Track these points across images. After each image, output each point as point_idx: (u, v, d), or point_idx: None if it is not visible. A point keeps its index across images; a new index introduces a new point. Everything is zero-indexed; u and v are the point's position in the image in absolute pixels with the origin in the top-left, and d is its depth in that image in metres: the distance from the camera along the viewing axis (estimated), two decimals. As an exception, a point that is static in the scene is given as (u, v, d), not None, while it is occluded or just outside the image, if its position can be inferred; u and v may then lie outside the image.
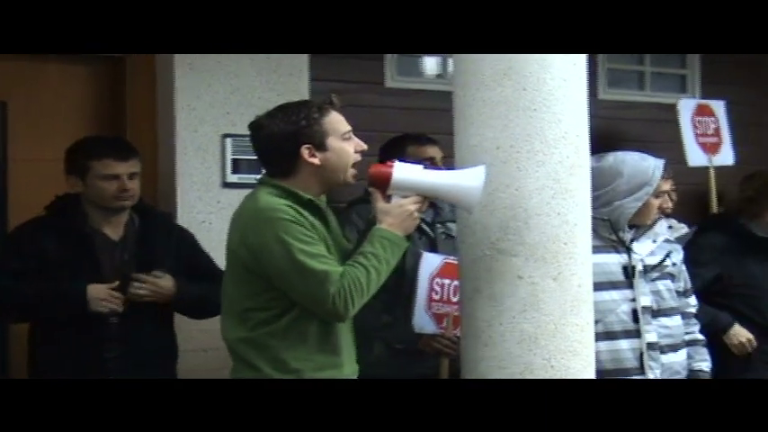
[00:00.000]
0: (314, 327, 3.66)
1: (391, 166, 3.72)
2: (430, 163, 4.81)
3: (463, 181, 3.71)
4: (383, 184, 3.72)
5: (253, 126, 3.80)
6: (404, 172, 3.72)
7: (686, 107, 7.04)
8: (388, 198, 3.73)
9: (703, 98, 7.55)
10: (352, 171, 3.78)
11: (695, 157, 6.90)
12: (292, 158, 3.69)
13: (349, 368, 3.82)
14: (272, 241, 3.55)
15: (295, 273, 3.54)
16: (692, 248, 5.18)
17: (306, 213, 3.65)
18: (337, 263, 3.64)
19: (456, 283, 4.36)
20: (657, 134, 7.02)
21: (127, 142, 5.03)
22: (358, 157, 3.79)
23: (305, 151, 3.68)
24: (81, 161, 4.69)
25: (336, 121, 3.76)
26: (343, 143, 3.75)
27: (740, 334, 5.19)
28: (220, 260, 5.52)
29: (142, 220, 4.82)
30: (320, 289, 3.53)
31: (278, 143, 3.70)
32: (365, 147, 3.84)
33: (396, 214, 3.69)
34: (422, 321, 4.61)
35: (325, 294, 3.53)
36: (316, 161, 3.69)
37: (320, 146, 3.70)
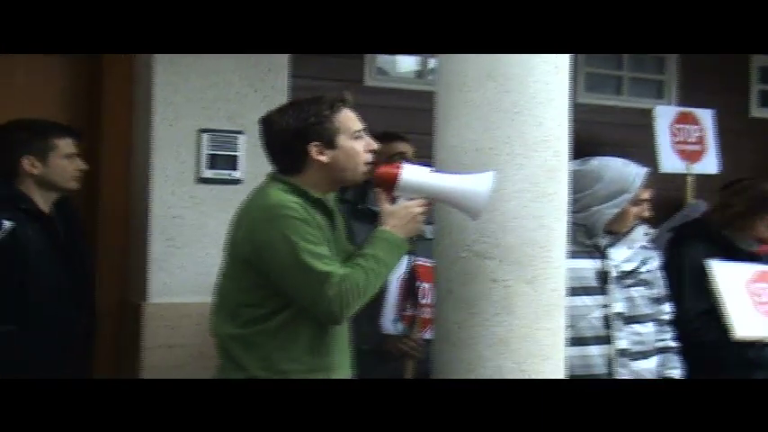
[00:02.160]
0: (307, 328, 3.61)
1: (399, 167, 3.69)
2: (400, 158, 4.77)
3: (470, 186, 3.67)
4: (390, 185, 3.68)
5: (263, 121, 3.75)
6: (412, 174, 3.69)
7: (664, 114, 7.10)
8: (393, 199, 3.70)
9: (680, 104, 7.61)
10: (363, 168, 3.73)
11: (669, 163, 6.94)
12: (301, 155, 3.65)
13: (342, 372, 3.77)
14: (279, 239, 3.50)
15: (298, 272, 3.49)
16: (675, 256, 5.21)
17: (314, 212, 3.61)
18: (339, 264, 3.59)
19: (425, 285, 4.34)
20: (634, 139, 7.06)
21: (67, 125, 5.04)
22: (369, 157, 3.74)
23: (313, 149, 3.63)
24: (40, 141, 4.66)
25: (348, 119, 3.70)
26: (354, 142, 3.69)
27: None
28: (195, 254, 5.58)
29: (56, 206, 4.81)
30: (320, 290, 3.48)
31: (287, 139, 3.65)
32: (376, 146, 3.79)
33: (401, 216, 3.66)
34: (390, 323, 4.58)
35: (323, 296, 3.48)
36: (324, 159, 3.64)
37: (329, 143, 3.64)
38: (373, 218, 4.46)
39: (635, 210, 4.47)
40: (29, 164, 4.64)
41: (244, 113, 5.70)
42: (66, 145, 4.70)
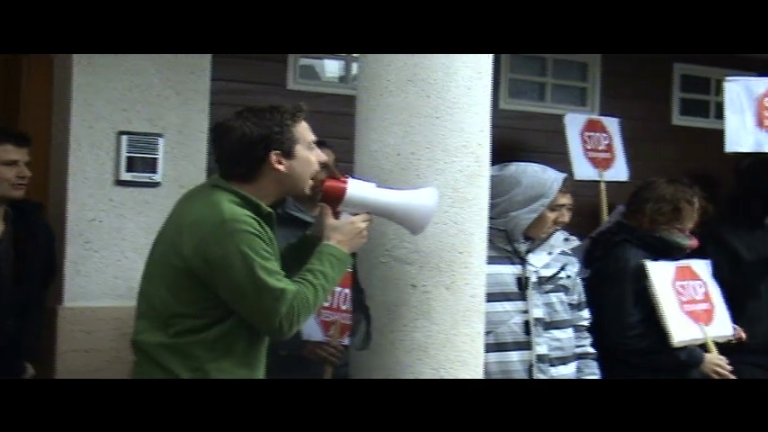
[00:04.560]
0: (242, 341, 3.58)
1: (345, 182, 3.67)
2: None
3: (415, 201, 3.66)
4: (336, 199, 3.66)
5: (220, 127, 3.68)
6: (358, 189, 3.67)
7: (574, 121, 7.15)
8: (337, 214, 3.68)
9: (601, 111, 7.66)
10: (310, 182, 3.70)
11: (583, 170, 6.99)
12: (258, 163, 3.60)
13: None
14: (234, 254, 3.43)
15: (251, 288, 3.44)
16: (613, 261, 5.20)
17: (265, 226, 3.57)
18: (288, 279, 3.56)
19: (347, 291, 4.32)
20: (557, 145, 7.10)
21: (17, 129, 4.94)
22: (318, 168, 3.72)
23: (273, 157, 3.59)
24: None
25: (305, 130, 3.69)
26: (308, 153, 3.67)
27: (712, 361, 5.17)
28: (112, 257, 5.52)
29: (16, 212, 4.72)
30: (273, 307, 3.44)
31: (248, 146, 3.58)
32: (325, 158, 3.79)
33: (346, 231, 3.64)
34: (310, 329, 4.55)
35: (276, 312, 3.44)
36: (282, 168, 3.60)
37: (288, 153, 3.61)
38: (291, 223, 4.44)
39: (553, 215, 4.48)
40: None
41: (164, 116, 5.66)
42: (4, 151, 4.57)
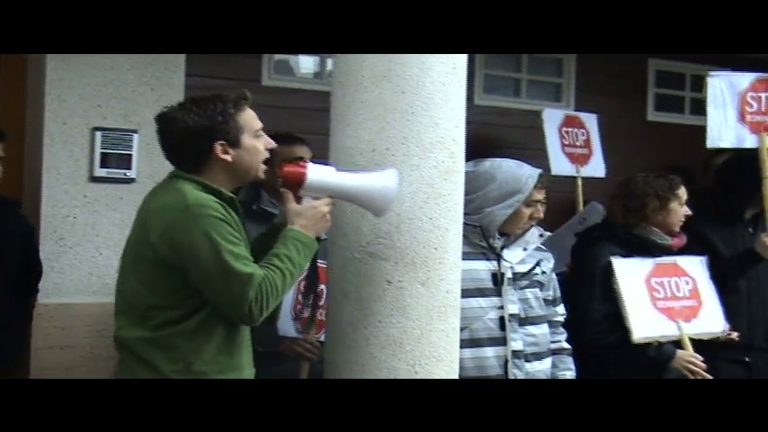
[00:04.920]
0: (221, 328, 3.57)
1: (305, 167, 3.66)
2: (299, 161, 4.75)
3: (376, 183, 3.66)
4: (297, 184, 3.65)
5: (162, 118, 3.66)
6: (318, 173, 3.66)
7: (552, 117, 7.15)
8: (299, 199, 3.67)
9: (577, 107, 7.66)
10: (263, 167, 3.69)
11: (560, 165, 7.00)
12: (204, 154, 3.59)
13: (248, 370, 3.74)
14: (201, 239, 3.43)
15: (219, 273, 3.43)
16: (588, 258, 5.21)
17: (230, 210, 3.56)
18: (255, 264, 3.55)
19: (323, 286, 4.31)
20: (532, 141, 7.12)
21: None
22: (267, 155, 3.71)
23: (218, 147, 3.58)
24: None
25: (250, 118, 3.67)
26: (256, 141, 3.66)
27: (684, 358, 5.17)
28: (86, 253, 5.50)
29: None
30: (240, 292, 3.43)
31: (191, 137, 3.57)
32: (274, 145, 3.77)
33: (309, 216, 3.63)
34: (286, 325, 4.56)
35: (244, 298, 3.43)
36: (228, 158, 3.60)
37: (234, 143, 3.60)
38: (266, 219, 4.43)
39: (528, 211, 4.48)
40: None
41: (139, 112, 5.64)
42: None
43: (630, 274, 5.12)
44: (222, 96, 3.65)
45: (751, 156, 5.70)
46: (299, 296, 4.53)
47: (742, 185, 5.71)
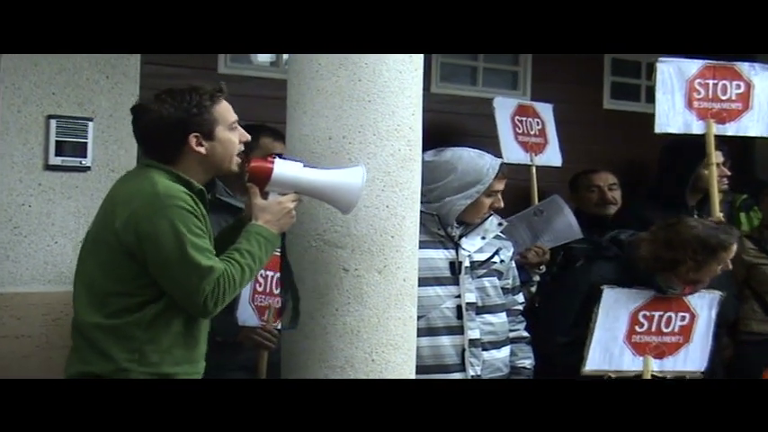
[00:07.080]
0: (179, 320, 3.56)
1: (272, 162, 3.65)
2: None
3: (343, 179, 3.66)
4: (263, 179, 3.65)
5: (138, 109, 3.66)
6: (284, 169, 3.66)
7: (504, 105, 7.11)
8: (265, 194, 3.66)
9: (533, 95, 7.66)
10: (236, 160, 3.69)
11: (513, 153, 6.99)
12: (178, 146, 3.58)
13: (202, 364, 3.72)
14: (166, 229, 3.42)
15: (179, 264, 3.42)
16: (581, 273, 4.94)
17: (198, 202, 3.55)
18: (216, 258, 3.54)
19: (278, 275, 4.30)
20: (488, 129, 7.07)
21: None
22: (241, 147, 3.70)
23: (192, 139, 3.57)
24: None
25: (225, 110, 3.66)
26: (230, 133, 3.65)
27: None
28: (41, 242, 5.46)
29: None
30: (198, 284, 3.42)
31: (165, 129, 3.56)
32: (249, 137, 3.76)
33: (274, 212, 3.63)
34: (245, 314, 4.54)
35: (201, 290, 3.43)
36: (202, 150, 3.59)
37: (208, 135, 3.59)
38: (222, 208, 4.42)
39: (488, 200, 4.48)
40: None
41: (94, 100, 5.58)
42: None
43: (617, 304, 4.70)
44: (198, 88, 3.64)
45: (688, 140, 5.73)
46: (257, 284, 4.53)
47: (677, 169, 5.74)
